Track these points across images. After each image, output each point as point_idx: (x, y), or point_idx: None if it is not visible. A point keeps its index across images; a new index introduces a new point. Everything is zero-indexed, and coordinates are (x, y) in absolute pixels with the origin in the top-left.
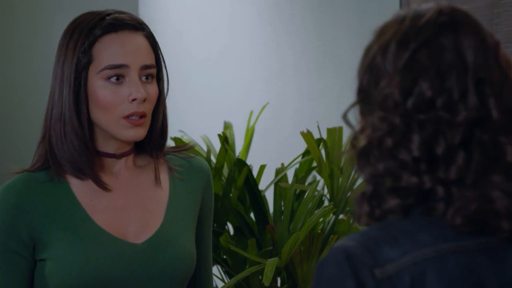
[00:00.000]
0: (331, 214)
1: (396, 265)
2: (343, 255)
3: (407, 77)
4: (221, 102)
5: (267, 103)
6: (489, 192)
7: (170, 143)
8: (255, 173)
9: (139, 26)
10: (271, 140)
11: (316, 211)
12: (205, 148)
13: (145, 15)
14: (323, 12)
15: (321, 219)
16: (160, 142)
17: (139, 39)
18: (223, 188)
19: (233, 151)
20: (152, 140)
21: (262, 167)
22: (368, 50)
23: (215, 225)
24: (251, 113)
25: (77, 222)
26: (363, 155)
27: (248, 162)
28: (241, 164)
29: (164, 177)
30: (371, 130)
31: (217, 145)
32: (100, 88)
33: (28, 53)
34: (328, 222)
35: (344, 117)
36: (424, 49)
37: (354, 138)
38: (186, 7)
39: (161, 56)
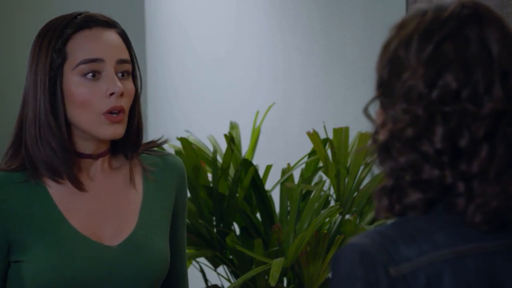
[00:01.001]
0: (337, 214)
1: (412, 264)
2: (358, 252)
3: (432, 69)
4: (227, 102)
5: (273, 103)
6: (511, 188)
7: (176, 143)
8: (261, 173)
9: (111, 23)
10: (277, 140)
11: (322, 211)
12: (211, 148)
13: (152, 15)
14: (330, 12)
15: (327, 219)
16: (136, 142)
17: (113, 35)
18: (229, 188)
19: (239, 151)
20: (128, 140)
21: (268, 167)
22: (387, 45)
23: (221, 225)
24: (257, 113)
25: (53, 225)
26: (384, 149)
27: (254, 162)
28: (247, 164)
29: (138, 178)
30: (393, 123)
31: (223, 145)
32: (76, 86)
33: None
34: (335, 222)
35: (365, 111)
36: (449, 41)
37: (375, 133)
38: (193, 7)
39: (134, 54)
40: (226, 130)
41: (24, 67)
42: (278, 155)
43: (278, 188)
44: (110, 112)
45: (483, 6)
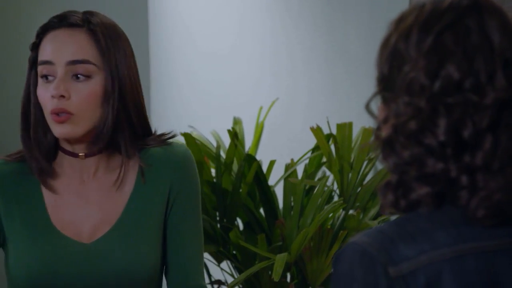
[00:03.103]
0: (341, 210)
1: (412, 264)
2: (358, 252)
3: (433, 60)
4: (231, 97)
5: (277, 98)
6: None
7: (180, 138)
8: (264, 168)
9: (80, 23)
10: (280, 135)
11: (325, 207)
12: (214, 144)
13: (155, 12)
14: (333, 8)
15: (330, 215)
16: (128, 140)
17: (75, 37)
18: (232, 184)
19: (243, 146)
20: (100, 137)
21: (272, 163)
22: (387, 40)
23: (224, 220)
24: (261, 108)
25: (35, 219)
26: (388, 144)
27: (258, 157)
28: (250, 160)
29: (132, 177)
30: (395, 117)
31: (226, 141)
32: (38, 86)
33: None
34: (338, 218)
35: (367, 107)
36: (449, 32)
37: (377, 128)
38: (196, 3)
39: (105, 53)
40: (229, 126)
41: (21, 67)
42: (281, 150)
43: (281, 183)
44: (53, 112)
45: None
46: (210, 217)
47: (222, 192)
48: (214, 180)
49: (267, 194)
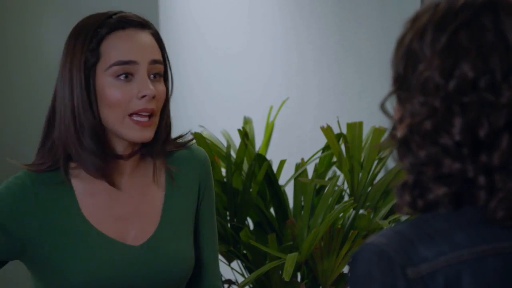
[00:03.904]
0: (351, 209)
1: (430, 265)
2: (376, 253)
3: (448, 59)
4: (241, 97)
5: (287, 98)
6: None
7: (187, 135)
8: (275, 168)
9: (145, 24)
10: (291, 135)
11: (336, 206)
12: (225, 143)
13: (165, 11)
14: (344, 7)
15: (341, 214)
16: (164, 143)
17: (146, 37)
18: (243, 183)
19: (253, 146)
20: (157, 141)
21: (282, 162)
22: (402, 39)
23: (235, 219)
24: (271, 108)
25: (76, 226)
26: (404, 144)
27: (268, 157)
28: (261, 159)
29: (162, 177)
30: (411, 117)
31: (237, 140)
32: (108, 86)
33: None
34: (348, 217)
35: (382, 107)
36: (464, 30)
37: (393, 128)
38: (206, 2)
39: (166, 56)
40: (240, 125)
41: (17, 68)
42: (291, 150)
43: (292, 183)
44: (137, 113)
45: None
46: (221, 217)
47: (233, 192)
48: (225, 179)
49: (278, 194)
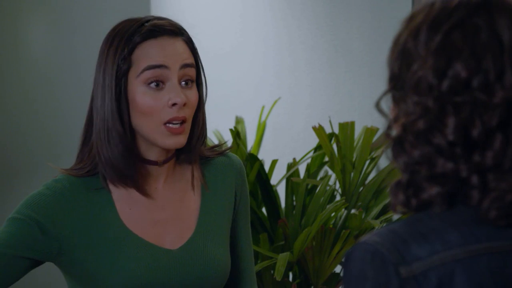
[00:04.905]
0: (343, 209)
1: (423, 264)
2: (369, 252)
3: (441, 58)
4: (233, 97)
5: (279, 98)
6: None
7: (227, 143)
8: (266, 168)
9: (178, 32)
10: (282, 135)
11: (328, 206)
12: (217, 143)
13: (157, 10)
14: (336, 7)
15: (333, 214)
16: (199, 149)
17: (178, 44)
18: None
19: (245, 146)
20: (191, 147)
21: (274, 162)
22: (397, 38)
23: None
24: (263, 108)
25: (114, 231)
26: (398, 144)
27: (260, 157)
28: (253, 159)
29: (197, 183)
30: (405, 116)
31: (229, 140)
32: (139, 94)
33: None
34: (340, 217)
35: (377, 106)
36: (458, 30)
37: (388, 127)
38: (198, 2)
39: (200, 62)
40: (231, 125)
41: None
42: (283, 149)
43: (283, 182)
44: (170, 122)
45: None
46: None
47: None
48: None
49: (269, 194)
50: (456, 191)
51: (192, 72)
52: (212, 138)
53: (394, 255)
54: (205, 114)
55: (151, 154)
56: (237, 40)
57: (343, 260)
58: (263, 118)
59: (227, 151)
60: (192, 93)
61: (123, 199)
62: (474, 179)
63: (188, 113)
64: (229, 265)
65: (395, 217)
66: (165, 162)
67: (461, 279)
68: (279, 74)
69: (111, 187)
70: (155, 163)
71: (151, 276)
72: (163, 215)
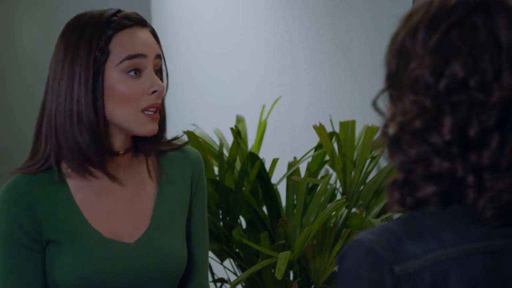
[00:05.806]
0: (344, 208)
1: (418, 262)
2: (364, 250)
3: (438, 57)
4: (234, 95)
5: (280, 96)
6: None
7: (183, 137)
8: (267, 166)
9: (145, 23)
10: (283, 133)
11: (328, 205)
12: (217, 142)
13: (158, 9)
14: (336, 5)
15: (333, 213)
16: (158, 139)
17: (148, 34)
18: (235, 182)
19: (246, 144)
20: (156, 137)
21: (275, 161)
22: (395, 37)
23: (227, 218)
24: (264, 106)
25: (75, 225)
26: (394, 142)
27: (261, 155)
28: (253, 158)
29: (153, 175)
30: (402, 115)
31: (229, 139)
32: (118, 82)
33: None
34: (341, 216)
35: (374, 104)
36: (455, 29)
37: (384, 126)
38: (199, 1)
39: (163, 53)
40: (232, 124)
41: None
42: (284, 148)
43: (284, 181)
44: (147, 109)
45: None
46: (213, 215)
47: (225, 191)
48: (217, 178)
49: (270, 192)
50: (452, 190)
51: (159, 63)
52: (213, 137)
53: (388, 253)
54: (165, 105)
55: (114, 144)
56: (237, 39)
57: (338, 258)
58: (263, 117)
59: (185, 145)
60: (161, 82)
61: (82, 192)
62: (470, 179)
63: (160, 101)
64: (185, 258)
65: (396, 216)
66: (125, 152)
67: (456, 277)
68: (280, 73)
69: (69, 181)
70: (116, 153)
71: (109, 270)
72: (120, 206)
